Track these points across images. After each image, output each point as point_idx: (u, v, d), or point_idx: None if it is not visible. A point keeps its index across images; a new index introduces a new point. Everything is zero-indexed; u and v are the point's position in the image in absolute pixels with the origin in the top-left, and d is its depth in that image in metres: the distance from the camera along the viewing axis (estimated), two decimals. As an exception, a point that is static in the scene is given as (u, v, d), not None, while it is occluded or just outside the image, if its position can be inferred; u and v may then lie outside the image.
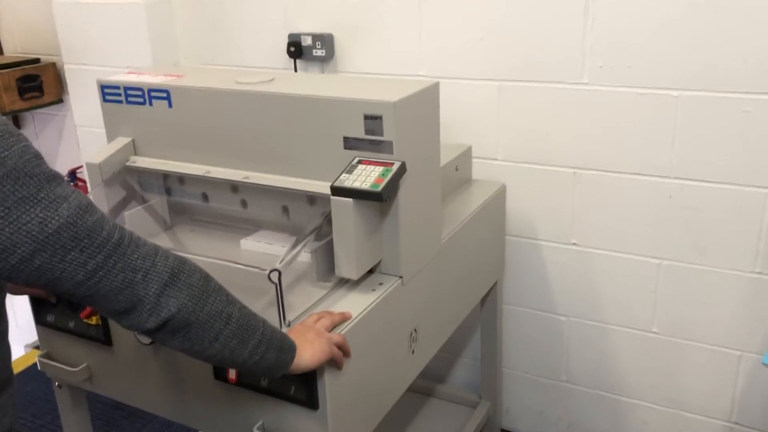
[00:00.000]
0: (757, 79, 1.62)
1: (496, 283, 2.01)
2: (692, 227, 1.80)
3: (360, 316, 1.27)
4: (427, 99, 1.40)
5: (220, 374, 1.28)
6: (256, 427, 1.25)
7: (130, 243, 0.92)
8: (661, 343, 1.95)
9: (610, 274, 1.95)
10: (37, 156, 0.86)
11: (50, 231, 0.84)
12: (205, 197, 1.59)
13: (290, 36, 2.13)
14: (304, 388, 1.19)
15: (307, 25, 2.12)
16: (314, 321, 1.21)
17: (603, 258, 1.95)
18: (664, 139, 1.76)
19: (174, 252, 1.00)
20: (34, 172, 0.84)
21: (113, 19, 2.28)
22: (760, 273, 1.77)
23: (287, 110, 1.37)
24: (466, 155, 1.94)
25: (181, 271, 0.97)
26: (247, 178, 1.43)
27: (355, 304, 1.30)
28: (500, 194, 1.93)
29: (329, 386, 1.18)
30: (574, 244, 1.97)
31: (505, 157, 1.98)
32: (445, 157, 1.73)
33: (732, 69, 1.64)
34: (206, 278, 1.02)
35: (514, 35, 1.85)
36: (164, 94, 1.48)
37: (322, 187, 1.32)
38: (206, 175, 1.47)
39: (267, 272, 1.18)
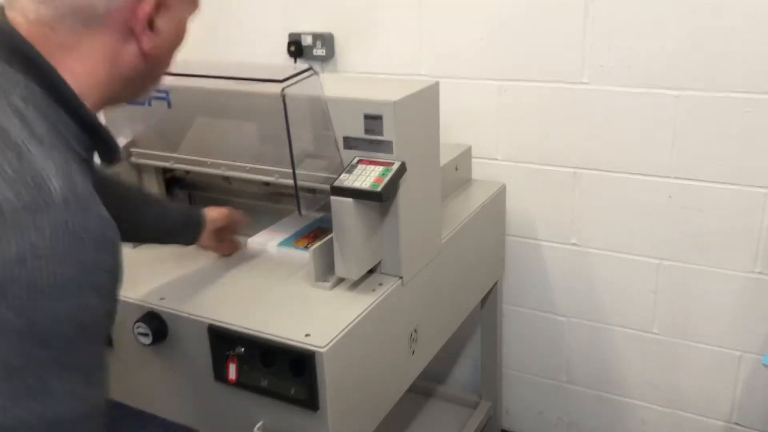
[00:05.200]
0: (757, 79, 1.62)
1: (496, 283, 2.00)
2: (692, 227, 1.80)
3: (360, 317, 1.27)
4: (427, 99, 1.40)
5: (220, 374, 1.28)
6: (256, 427, 1.25)
7: None
8: (661, 343, 1.95)
9: (610, 274, 1.95)
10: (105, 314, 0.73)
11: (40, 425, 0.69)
12: (203, 202, 1.59)
13: (290, 35, 2.13)
14: (304, 389, 1.19)
15: (307, 25, 2.12)
16: None
17: (603, 258, 1.95)
18: (664, 139, 1.76)
19: None
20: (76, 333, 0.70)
21: (113, 19, 2.28)
22: (760, 273, 1.77)
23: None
24: (466, 155, 1.94)
25: None
26: (247, 175, 1.44)
27: (355, 304, 1.30)
28: (500, 194, 1.93)
29: (329, 387, 1.18)
30: (574, 244, 1.97)
31: (505, 157, 1.98)
32: (445, 157, 1.72)
33: (732, 69, 1.64)
34: None
35: (514, 35, 1.85)
36: (164, 95, 1.48)
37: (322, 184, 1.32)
38: (207, 170, 1.47)
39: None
